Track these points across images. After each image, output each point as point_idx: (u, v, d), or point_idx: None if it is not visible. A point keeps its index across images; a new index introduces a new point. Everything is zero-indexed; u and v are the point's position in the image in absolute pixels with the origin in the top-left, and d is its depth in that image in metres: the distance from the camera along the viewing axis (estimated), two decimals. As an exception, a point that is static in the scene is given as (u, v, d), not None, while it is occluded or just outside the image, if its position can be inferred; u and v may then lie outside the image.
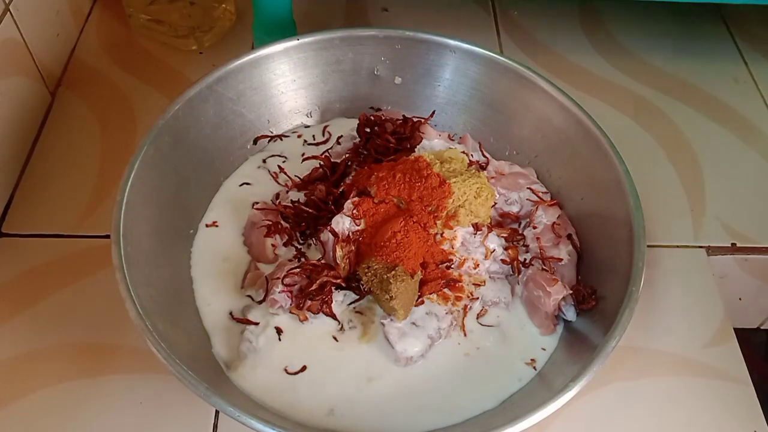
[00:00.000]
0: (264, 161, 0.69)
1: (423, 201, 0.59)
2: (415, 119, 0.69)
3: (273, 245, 0.61)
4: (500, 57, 0.68)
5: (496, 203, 0.64)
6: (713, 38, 0.91)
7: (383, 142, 0.66)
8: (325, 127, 0.72)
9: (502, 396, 0.55)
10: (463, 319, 0.58)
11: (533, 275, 0.60)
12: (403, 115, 0.69)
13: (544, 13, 0.92)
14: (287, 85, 0.70)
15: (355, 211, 0.59)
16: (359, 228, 0.58)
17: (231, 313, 0.58)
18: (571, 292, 0.59)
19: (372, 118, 0.68)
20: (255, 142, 0.70)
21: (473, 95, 0.71)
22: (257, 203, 0.64)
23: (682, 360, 0.61)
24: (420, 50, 0.70)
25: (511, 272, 0.62)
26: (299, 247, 0.62)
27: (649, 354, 0.61)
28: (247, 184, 0.67)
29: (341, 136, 0.71)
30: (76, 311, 0.60)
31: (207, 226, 0.64)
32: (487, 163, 0.68)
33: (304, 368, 0.55)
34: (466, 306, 0.59)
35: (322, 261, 0.59)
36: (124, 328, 0.59)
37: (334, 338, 0.57)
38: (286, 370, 0.55)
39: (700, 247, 0.69)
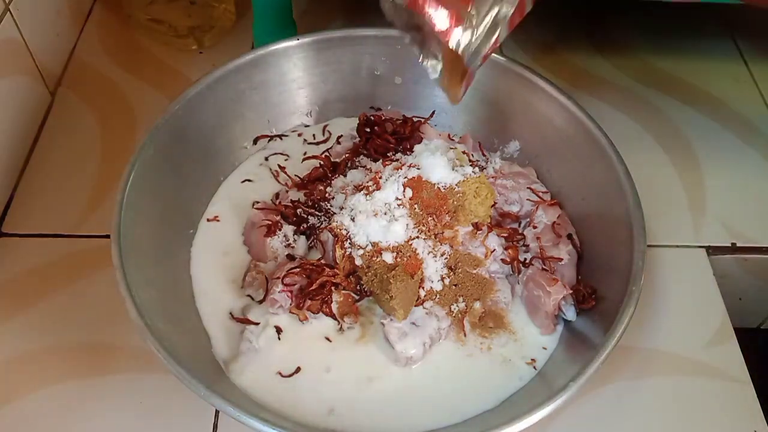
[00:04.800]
0: (266, 159, 0.69)
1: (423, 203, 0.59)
2: (415, 119, 0.69)
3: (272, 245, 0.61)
4: (500, 57, 0.68)
5: (496, 203, 0.64)
6: (713, 38, 0.91)
7: (383, 142, 0.66)
8: (325, 126, 0.72)
9: (503, 396, 0.55)
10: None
11: (533, 275, 0.60)
12: (403, 115, 0.69)
13: (544, 12, 0.91)
14: (287, 85, 0.70)
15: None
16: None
17: (231, 313, 0.58)
18: (571, 291, 0.59)
19: (372, 118, 0.68)
20: (255, 141, 0.70)
21: (473, 95, 0.70)
22: (257, 203, 0.64)
23: (682, 360, 0.61)
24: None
25: (511, 272, 0.62)
26: (294, 245, 0.62)
27: (649, 354, 0.61)
28: (249, 181, 0.67)
29: (341, 135, 0.71)
30: (76, 311, 0.60)
31: (208, 220, 0.64)
32: (487, 163, 0.68)
33: (298, 370, 0.55)
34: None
35: (322, 261, 0.59)
36: (124, 328, 0.59)
37: (333, 339, 0.57)
38: (280, 374, 0.55)
39: (700, 247, 0.69)
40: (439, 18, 0.47)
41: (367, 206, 0.58)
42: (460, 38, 0.47)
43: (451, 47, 0.47)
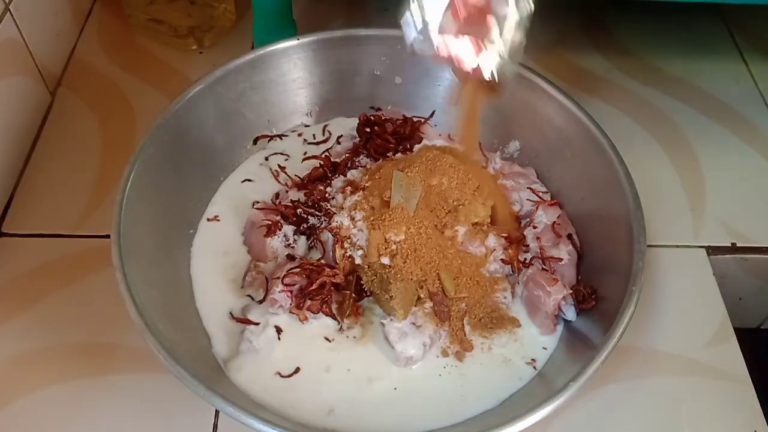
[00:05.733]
0: (266, 159, 0.69)
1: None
2: (415, 119, 0.69)
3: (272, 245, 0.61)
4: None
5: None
6: (713, 38, 0.91)
7: (383, 142, 0.66)
8: (325, 126, 0.72)
9: (503, 396, 0.55)
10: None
11: (533, 275, 0.60)
12: (403, 115, 0.69)
13: (544, 12, 0.91)
14: (287, 84, 0.70)
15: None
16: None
17: (231, 313, 0.58)
18: (571, 291, 0.59)
19: (372, 118, 0.68)
20: (255, 141, 0.70)
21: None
22: (257, 203, 0.64)
23: (682, 360, 0.61)
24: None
25: (511, 272, 0.62)
26: (294, 245, 0.62)
27: (649, 354, 0.61)
28: (249, 180, 0.67)
29: (341, 135, 0.71)
30: (76, 311, 0.60)
31: (208, 220, 0.64)
32: (487, 163, 0.68)
33: (297, 370, 0.55)
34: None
35: (322, 261, 0.59)
36: (124, 328, 0.59)
37: (333, 339, 0.57)
38: (279, 374, 0.55)
39: (700, 247, 0.69)
40: (466, 58, 0.49)
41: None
42: (492, 67, 0.49)
43: (487, 78, 0.49)
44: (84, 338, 0.59)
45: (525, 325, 0.59)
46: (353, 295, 0.58)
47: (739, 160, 0.77)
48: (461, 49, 0.48)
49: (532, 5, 0.49)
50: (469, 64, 0.49)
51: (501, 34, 0.48)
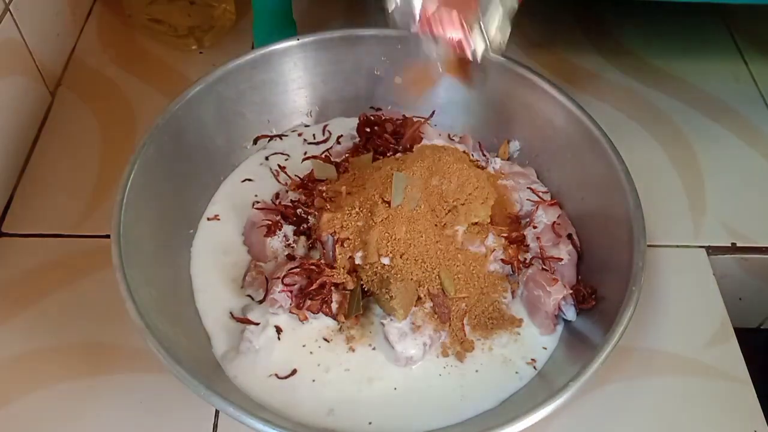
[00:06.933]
0: (266, 158, 0.69)
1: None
2: (415, 119, 0.69)
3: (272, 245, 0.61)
4: (500, 57, 0.68)
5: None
6: (713, 38, 0.91)
7: (383, 142, 0.66)
8: (325, 126, 0.72)
9: (503, 395, 0.55)
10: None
11: (533, 275, 0.60)
12: (403, 115, 0.69)
13: (543, 12, 0.92)
14: (287, 84, 0.70)
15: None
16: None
17: (231, 313, 0.58)
18: (571, 291, 0.59)
19: (372, 117, 0.68)
20: (255, 141, 0.70)
21: (473, 95, 0.70)
22: (257, 203, 0.64)
23: (682, 360, 0.61)
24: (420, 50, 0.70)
25: (511, 272, 0.62)
26: (294, 245, 0.62)
27: (649, 354, 0.61)
28: (249, 180, 0.67)
29: (341, 135, 0.71)
30: (76, 311, 0.60)
31: (208, 219, 0.64)
32: (487, 163, 0.68)
33: (295, 371, 0.55)
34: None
35: (322, 261, 0.59)
36: (124, 328, 0.59)
37: (333, 339, 0.57)
38: (278, 374, 0.55)
39: (700, 247, 0.69)
40: (450, 32, 0.48)
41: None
42: (476, 48, 0.48)
43: (471, 59, 0.49)
44: (84, 338, 0.59)
45: (525, 325, 0.59)
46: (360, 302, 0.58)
47: (739, 160, 0.77)
48: (445, 22, 0.47)
49: (517, 3, 0.48)
50: (452, 37, 0.47)
51: (485, 25, 0.48)
